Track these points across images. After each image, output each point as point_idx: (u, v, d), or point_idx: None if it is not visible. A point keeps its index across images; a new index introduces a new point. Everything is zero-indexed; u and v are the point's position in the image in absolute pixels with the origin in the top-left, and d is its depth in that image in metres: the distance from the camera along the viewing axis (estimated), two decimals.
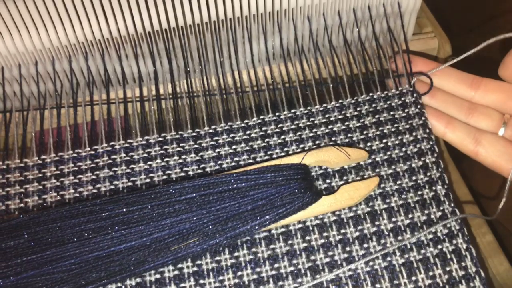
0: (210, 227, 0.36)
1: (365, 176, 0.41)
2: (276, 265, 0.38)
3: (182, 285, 0.37)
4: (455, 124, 0.45)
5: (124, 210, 0.36)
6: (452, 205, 0.41)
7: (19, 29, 0.43)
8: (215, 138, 0.43)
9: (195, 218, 0.36)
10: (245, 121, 0.44)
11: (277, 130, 0.44)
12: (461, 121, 0.46)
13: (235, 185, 0.38)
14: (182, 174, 0.41)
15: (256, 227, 0.37)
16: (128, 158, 0.42)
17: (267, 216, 0.37)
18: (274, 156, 0.42)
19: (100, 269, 0.35)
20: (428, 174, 0.42)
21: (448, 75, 0.47)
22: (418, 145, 0.43)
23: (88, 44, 0.45)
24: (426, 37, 0.55)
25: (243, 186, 0.38)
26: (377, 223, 0.40)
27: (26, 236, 0.36)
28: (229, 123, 0.44)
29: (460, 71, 0.47)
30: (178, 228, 0.36)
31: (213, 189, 0.38)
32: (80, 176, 0.41)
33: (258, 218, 0.37)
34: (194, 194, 0.37)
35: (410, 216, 0.40)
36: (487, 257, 0.50)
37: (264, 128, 0.44)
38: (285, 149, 0.43)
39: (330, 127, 0.44)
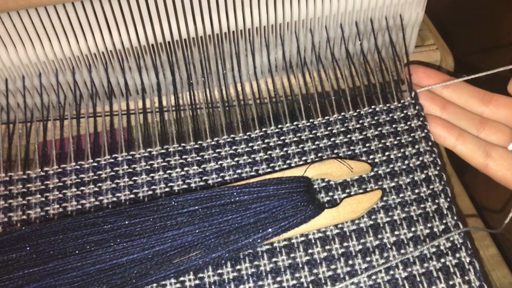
0: (212, 240, 0.36)
1: (368, 189, 0.41)
2: (278, 279, 0.38)
3: None
4: (466, 137, 0.45)
5: (127, 222, 0.36)
6: (455, 218, 0.40)
7: (23, 41, 0.43)
8: (217, 150, 0.43)
9: (197, 231, 0.36)
10: (248, 133, 0.44)
11: (279, 142, 0.44)
12: (472, 134, 0.45)
13: (237, 198, 0.38)
14: (185, 186, 0.41)
15: (259, 240, 0.37)
16: (130, 170, 0.42)
17: (270, 229, 0.37)
18: (277, 168, 0.42)
19: (102, 282, 0.35)
20: (431, 187, 0.42)
21: (460, 89, 0.47)
22: (420, 158, 0.43)
23: (91, 56, 0.46)
24: (428, 50, 0.55)
25: (245, 199, 0.38)
26: (379, 236, 0.39)
27: (28, 248, 0.36)
28: (232, 135, 0.44)
29: (471, 86, 0.47)
30: (180, 241, 0.36)
31: (215, 202, 0.38)
32: (82, 188, 0.41)
33: (260, 231, 0.37)
34: (197, 207, 0.37)
35: (413, 229, 0.40)
36: (491, 270, 0.49)
37: (266, 141, 0.44)
38: (288, 161, 0.43)
39: (332, 139, 0.44)
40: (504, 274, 0.49)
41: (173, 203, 0.37)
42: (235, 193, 0.38)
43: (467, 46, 0.62)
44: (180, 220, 0.37)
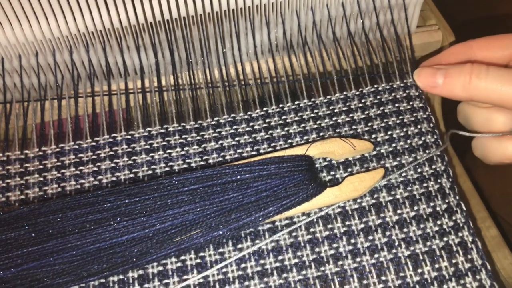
0: (214, 218, 0.36)
1: (370, 168, 0.41)
2: (280, 257, 0.37)
3: (185, 277, 0.36)
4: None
5: (127, 201, 0.36)
6: (457, 197, 0.40)
7: (20, 19, 0.42)
8: (218, 130, 0.43)
9: (198, 210, 0.36)
10: (248, 113, 0.44)
11: (280, 122, 0.43)
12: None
13: (238, 177, 0.37)
14: (185, 166, 0.41)
15: (260, 219, 0.36)
16: (130, 149, 0.42)
17: (271, 208, 0.37)
18: (278, 148, 0.42)
19: (102, 260, 0.34)
20: (433, 166, 0.41)
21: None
22: (423, 138, 0.43)
23: (89, 35, 0.45)
24: (430, 30, 0.54)
25: (246, 178, 0.37)
26: (382, 215, 0.39)
27: (27, 227, 0.35)
28: (232, 115, 0.43)
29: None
30: (181, 220, 0.36)
31: (216, 181, 0.37)
32: (81, 167, 0.41)
33: (262, 209, 0.37)
34: (197, 186, 0.37)
35: (415, 208, 0.39)
36: (491, 251, 0.49)
37: (267, 120, 0.43)
38: (289, 141, 0.42)
39: (334, 118, 0.43)
40: (505, 255, 0.49)
41: (173, 181, 0.37)
42: (236, 172, 0.37)
43: (469, 26, 0.62)
44: (180, 198, 0.36)
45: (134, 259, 0.35)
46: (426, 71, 0.42)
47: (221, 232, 0.36)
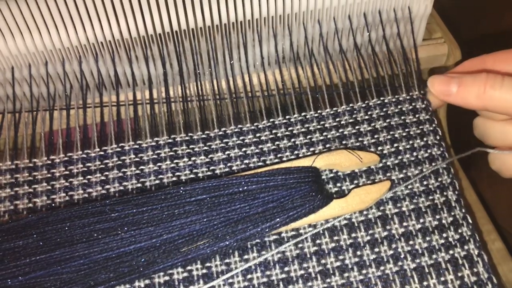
0: (221, 229, 0.36)
1: (376, 180, 0.41)
2: (286, 269, 0.37)
3: (191, 287, 0.36)
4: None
5: (134, 211, 0.36)
6: (463, 210, 0.40)
7: (30, 29, 0.43)
8: (225, 141, 0.43)
9: (205, 220, 0.36)
10: (255, 124, 0.44)
11: (287, 133, 0.43)
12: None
13: (245, 187, 0.38)
14: (192, 176, 0.41)
15: (267, 230, 0.37)
16: (137, 159, 0.42)
17: (278, 219, 0.37)
18: (284, 159, 0.42)
19: (109, 270, 0.34)
20: (439, 179, 0.41)
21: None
22: (429, 151, 0.43)
23: (98, 45, 0.45)
24: (435, 43, 0.54)
25: (253, 189, 0.38)
26: (388, 227, 0.39)
27: (35, 236, 0.35)
28: (239, 126, 0.44)
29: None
30: (188, 230, 0.36)
31: (223, 191, 0.37)
32: (89, 176, 0.41)
33: (268, 220, 0.37)
34: (204, 196, 0.37)
35: (421, 220, 0.40)
36: (497, 264, 0.49)
37: (274, 131, 0.44)
38: (295, 152, 0.42)
39: (340, 130, 0.43)
40: (510, 268, 0.49)
41: (181, 191, 0.37)
42: (243, 183, 0.38)
43: (476, 40, 0.62)
44: (188, 208, 0.36)
45: (141, 269, 0.35)
46: (441, 79, 0.42)
47: (228, 243, 0.36)
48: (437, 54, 0.54)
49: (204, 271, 0.37)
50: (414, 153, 0.43)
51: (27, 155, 0.42)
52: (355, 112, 0.44)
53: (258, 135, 0.43)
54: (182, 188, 0.37)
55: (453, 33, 0.55)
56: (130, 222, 0.36)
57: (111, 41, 0.45)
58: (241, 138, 0.43)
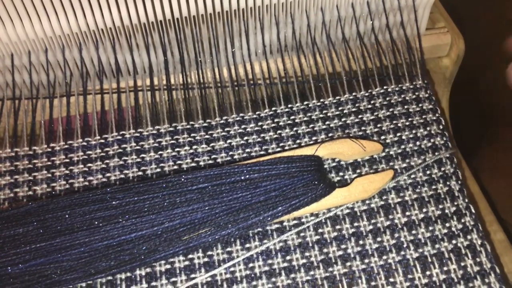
0: (222, 217, 0.36)
1: (379, 170, 0.41)
2: (288, 257, 0.37)
3: (193, 275, 0.36)
4: None
5: (135, 198, 0.36)
6: (467, 200, 0.40)
7: (30, 15, 0.42)
8: (226, 129, 0.43)
9: (207, 208, 0.36)
10: (257, 113, 0.44)
11: (289, 122, 0.43)
12: None
13: (247, 176, 0.37)
14: (193, 164, 0.41)
15: (269, 218, 0.36)
16: (138, 147, 0.41)
17: (280, 207, 0.37)
18: (286, 148, 0.42)
19: (110, 258, 0.34)
20: (442, 169, 0.41)
21: None
22: (432, 140, 0.42)
23: (99, 32, 0.45)
24: (439, 32, 0.54)
25: (255, 177, 0.37)
26: (390, 216, 0.39)
27: (35, 223, 0.35)
28: (241, 114, 0.43)
29: None
30: (189, 218, 0.35)
31: (225, 180, 0.37)
32: (89, 164, 0.41)
33: (270, 209, 0.36)
34: (206, 184, 0.37)
35: (424, 210, 0.39)
36: (499, 255, 0.49)
37: (276, 120, 0.43)
38: (298, 141, 0.42)
39: (343, 119, 0.43)
40: None
41: (182, 179, 0.37)
42: (245, 171, 0.37)
43: (479, 29, 0.62)
44: (189, 197, 0.36)
45: (142, 257, 0.34)
46: None
47: (229, 231, 0.36)
48: (440, 44, 0.54)
49: (206, 259, 0.37)
50: (417, 143, 0.42)
51: (27, 142, 0.42)
52: (358, 101, 0.44)
53: (260, 124, 0.43)
54: (183, 176, 0.37)
55: (456, 22, 0.55)
56: (131, 210, 0.35)
57: (111, 28, 0.45)
58: (243, 127, 0.43)
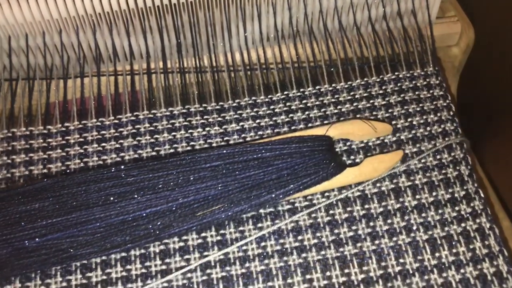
0: (235, 194, 0.36)
1: None
2: (299, 237, 0.38)
3: (206, 253, 0.37)
4: None
5: (150, 175, 0.36)
6: (476, 185, 0.40)
7: None
8: (238, 112, 0.43)
9: (220, 186, 0.36)
10: (269, 96, 0.44)
11: (301, 106, 0.44)
12: None
13: (259, 155, 0.38)
14: (206, 146, 0.41)
15: (281, 196, 0.37)
16: (152, 128, 0.42)
17: (292, 185, 0.37)
18: (298, 131, 0.42)
19: (125, 233, 0.35)
20: (452, 154, 0.42)
21: None
22: (442, 126, 0.43)
23: (113, 14, 0.45)
24: (449, 21, 0.54)
25: (268, 156, 0.38)
26: (401, 199, 0.39)
27: (51, 199, 0.36)
28: (253, 97, 0.44)
29: None
30: (203, 195, 0.36)
31: (238, 158, 0.37)
32: (104, 144, 0.41)
33: (282, 187, 0.37)
34: (219, 162, 0.37)
35: (434, 194, 0.40)
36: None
37: (288, 104, 0.44)
38: (309, 124, 0.43)
39: (355, 104, 0.44)
40: None
41: (196, 157, 0.37)
42: (257, 150, 0.38)
43: (488, 18, 0.62)
44: (203, 174, 0.37)
45: (157, 232, 0.35)
46: None
47: (242, 208, 0.36)
48: (450, 33, 0.54)
49: (219, 237, 0.37)
50: (428, 128, 0.43)
51: (42, 122, 0.42)
52: (369, 86, 0.44)
53: (272, 107, 0.43)
54: (197, 154, 0.37)
55: (466, 11, 0.55)
56: (146, 186, 0.36)
57: (125, 10, 0.45)
58: (255, 109, 0.43)
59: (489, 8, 0.61)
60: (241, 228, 0.38)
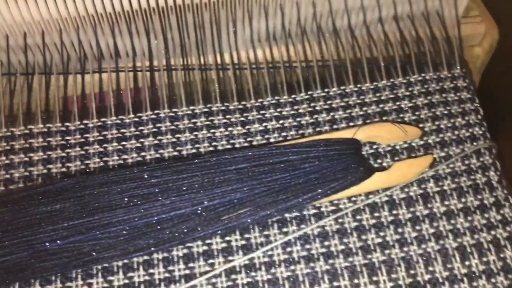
0: (262, 198, 0.35)
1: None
2: (326, 243, 0.37)
3: (230, 258, 0.36)
4: None
5: (174, 177, 0.35)
6: (505, 191, 0.39)
7: None
8: (261, 112, 0.42)
9: (246, 189, 0.35)
10: (293, 96, 0.43)
11: (326, 106, 0.42)
12: None
13: (286, 157, 0.37)
14: (229, 146, 0.40)
15: (308, 200, 0.36)
16: (173, 127, 0.41)
17: (319, 190, 0.36)
18: (323, 133, 0.41)
19: (150, 236, 0.34)
20: (481, 159, 0.41)
21: None
22: (470, 130, 0.42)
23: (132, 12, 0.44)
24: (472, 22, 0.53)
25: (294, 159, 0.37)
26: (429, 205, 0.38)
27: (72, 200, 0.34)
28: (277, 97, 0.43)
29: None
30: (228, 198, 0.35)
31: (264, 161, 0.36)
32: (124, 143, 0.40)
33: (310, 191, 0.36)
34: (245, 165, 0.36)
35: (463, 200, 0.39)
36: None
37: (312, 104, 0.42)
38: (335, 126, 0.41)
39: (381, 106, 0.42)
40: None
41: (221, 159, 0.36)
42: (283, 153, 0.37)
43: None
44: (228, 177, 0.36)
45: (182, 236, 0.34)
46: None
47: (268, 212, 0.35)
48: (473, 33, 0.53)
49: (243, 242, 0.36)
50: (456, 132, 0.42)
51: (59, 118, 0.41)
52: (396, 87, 0.43)
53: (296, 107, 0.42)
54: (222, 156, 0.36)
55: (490, 11, 0.54)
56: (170, 188, 0.35)
57: (146, 9, 0.44)
58: (278, 110, 0.42)
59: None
60: (266, 233, 0.37)
